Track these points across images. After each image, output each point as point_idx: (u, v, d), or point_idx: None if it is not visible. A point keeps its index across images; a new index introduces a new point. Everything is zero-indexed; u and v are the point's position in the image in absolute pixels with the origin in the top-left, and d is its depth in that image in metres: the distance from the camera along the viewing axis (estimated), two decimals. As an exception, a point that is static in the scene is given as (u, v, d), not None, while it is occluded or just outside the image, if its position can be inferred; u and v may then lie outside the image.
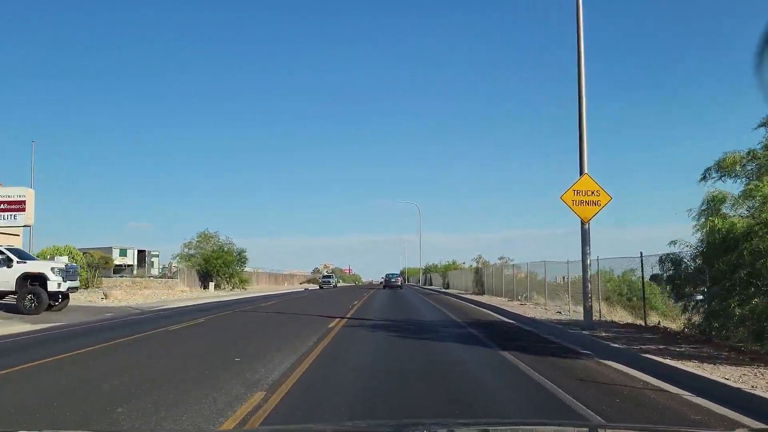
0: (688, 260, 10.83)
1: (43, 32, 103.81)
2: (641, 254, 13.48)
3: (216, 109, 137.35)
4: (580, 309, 14.19)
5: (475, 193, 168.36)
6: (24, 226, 23.76)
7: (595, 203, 12.94)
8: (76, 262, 24.49)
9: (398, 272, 73.13)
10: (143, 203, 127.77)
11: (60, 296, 18.38)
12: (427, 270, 77.44)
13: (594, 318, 13.32)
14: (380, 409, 6.03)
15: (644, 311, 13.94)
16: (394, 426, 3.51)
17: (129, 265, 56.99)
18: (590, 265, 13.33)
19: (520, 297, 25.39)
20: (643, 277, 14.01)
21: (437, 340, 12.18)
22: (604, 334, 11.44)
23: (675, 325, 12.47)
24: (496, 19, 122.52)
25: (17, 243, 23.20)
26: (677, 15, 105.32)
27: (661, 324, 12.94)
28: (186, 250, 58.26)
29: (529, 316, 17.06)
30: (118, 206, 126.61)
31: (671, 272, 11.28)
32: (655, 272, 12.82)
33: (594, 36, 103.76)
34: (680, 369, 7.53)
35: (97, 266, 34.94)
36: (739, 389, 6.32)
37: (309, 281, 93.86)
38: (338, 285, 67.04)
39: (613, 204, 12.87)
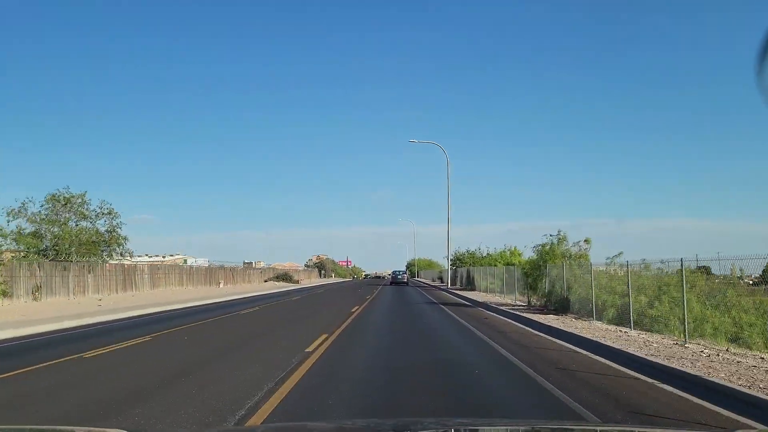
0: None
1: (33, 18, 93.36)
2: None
3: (212, 100, 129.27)
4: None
5: (479, 185, 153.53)
6: None
7: None
8: None
9: (404, 269, 75.71)
10: (144, 196, 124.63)
11: None
12: (459, 261, 48.28)
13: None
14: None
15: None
16: (394, 424, 3.15)
17: None
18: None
19: None
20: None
21: None
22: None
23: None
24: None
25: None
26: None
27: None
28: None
29: None
30: (120, 199, 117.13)
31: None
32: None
33: None
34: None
35: None
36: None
37: (280, 277, 64.74)
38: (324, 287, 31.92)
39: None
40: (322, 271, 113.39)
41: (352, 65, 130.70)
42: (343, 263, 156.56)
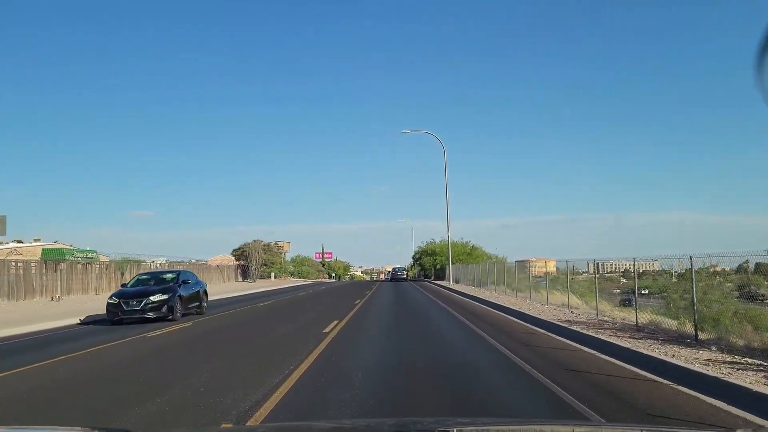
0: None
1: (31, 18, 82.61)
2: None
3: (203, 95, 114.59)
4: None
5: (474, 179, 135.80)
6: None
7: None
8: None
9: (404, 267, 74.13)
10: (143, 192, 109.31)
11: None
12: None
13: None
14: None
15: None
16: (394, 424, 3.18)
17: None
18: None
19: None
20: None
21: None
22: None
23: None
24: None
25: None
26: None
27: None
28: None
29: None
30: (117, 195, 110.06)
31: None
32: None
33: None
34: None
35: None
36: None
37: None
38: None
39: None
40: (249, 268, 57.59)
41: (348, 57, 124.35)
42: (318, 256, 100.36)
